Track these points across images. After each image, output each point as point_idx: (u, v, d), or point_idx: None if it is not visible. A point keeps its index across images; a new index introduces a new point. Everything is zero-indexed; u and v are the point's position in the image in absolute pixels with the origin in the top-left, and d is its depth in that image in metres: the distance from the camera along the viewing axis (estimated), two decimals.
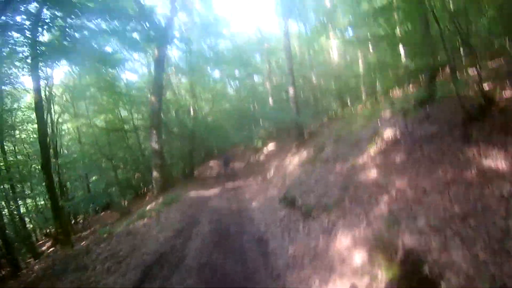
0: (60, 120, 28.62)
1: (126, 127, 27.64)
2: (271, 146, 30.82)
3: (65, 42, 14.83)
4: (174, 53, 33.07)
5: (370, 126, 13.39)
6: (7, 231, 19.41)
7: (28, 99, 26.27)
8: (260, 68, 38.55)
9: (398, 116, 12.21)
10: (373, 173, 9.42)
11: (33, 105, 24.00)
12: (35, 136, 24.67)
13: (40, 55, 14.52)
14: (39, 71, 17.50)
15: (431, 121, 9.83)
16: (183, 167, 31.06)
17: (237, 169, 31.20)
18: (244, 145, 43.48)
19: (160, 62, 23.10)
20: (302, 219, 9.90)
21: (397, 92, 22.12)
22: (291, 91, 22.04)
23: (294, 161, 18.52)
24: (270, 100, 33.20)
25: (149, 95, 25.77)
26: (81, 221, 29.87)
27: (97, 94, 26.76)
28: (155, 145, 22.00)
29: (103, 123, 28.63)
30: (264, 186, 17.95)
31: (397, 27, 20.20)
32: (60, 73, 27.61)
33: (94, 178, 29.59)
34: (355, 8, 23.00)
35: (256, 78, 40.77)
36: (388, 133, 11.24)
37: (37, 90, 16.54)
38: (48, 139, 20.32)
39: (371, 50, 25.06)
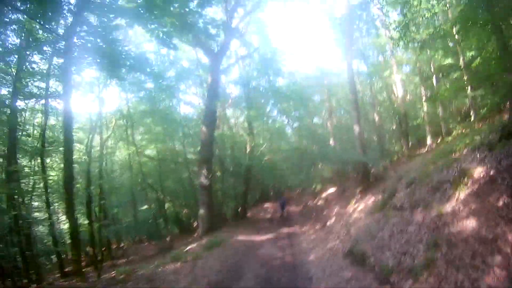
0: (110, 144, 27.83)
1: (178, 159, 26.09)
2: (330, 191, 28.20)
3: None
4: (232, 89, 31.81)
5: (450, 165, 11.09)
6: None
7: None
8: (319, 109, 36.60)
9: (482, 152, 10.19)
10: (471, 223, 7.25)
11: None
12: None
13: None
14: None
15: None
16: (235, 207, 28.85)
17: (293, 214, 28.80)
18: (301, 188, 41.81)
19: (213, 89, 21.45)
20: (377, 285, 7.45)
21: (463, 129, 20.31)
22: (356, 129, 19.64)
23: (359, 208, 15.97)
24: (331, 141, 30.85)
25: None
26: (124, 247, 28.22)
27: (151, 123, 25.67)
28: (204, 181, 20.06)
29: (155, 153, 27.38)
30: (324, 235, 15.47)
31: (461, 56, 19.13)
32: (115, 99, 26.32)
33: (144, 207, 28.03)
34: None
35: (316, 119, 38.66)
36: (479, 171, 8.96)
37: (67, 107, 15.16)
38: (88, 162, 21.01)
39: (434, 84, 23.20)
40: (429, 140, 24.15)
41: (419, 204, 10.35)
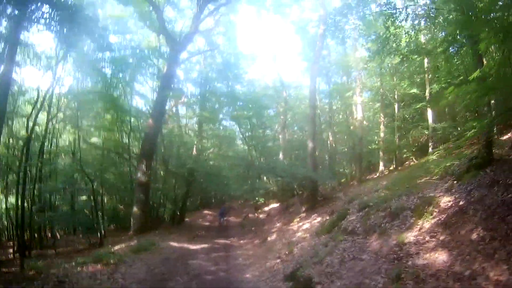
0: (58, 126, 25.14)
1: (123, 154, 23.94)
2: (274, 205, 27.17)
3: None
4: (188, 88, 30.14)
5: (410, 192, 10.78)
6: None
7: None
8: (273, 121, 35.37)
9: (446, 181, 10.04)
10: (441, 256, 6.46)
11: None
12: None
13: None
14: None
15: (503, 187, 7.41)
16: (173, 210, 26.84)
17: (233, 225, 27.37)
18: (244, 200, 40.46)
19: (168, 79, 19.93)
20: None
21: (418, 160, 20.46)
22: (310, 144, 18.58)
23: (303, 226, 14.91)
24: (281, 155, 29.81)
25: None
26: (58, 237, 25.44)
27: (100, 108, 23.50)
28: (142, 177, 18.31)
29: (100, 142, 25.18)
30: (263, 251, 14.16)
31: (427, 87, 19.58)
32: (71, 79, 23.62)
33: (82, 197, 25.57)
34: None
35: (268, 131, 37.52)
36: (446, 201, 8.50)
37: None
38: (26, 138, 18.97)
39: (396, 111, 23.02)
40: (381, 166, 23.66)
41: (374, 230, 9.52)
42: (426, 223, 7.97)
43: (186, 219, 29.55)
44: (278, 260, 11.49)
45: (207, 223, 29.58)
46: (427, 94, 19.74)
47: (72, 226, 24.25)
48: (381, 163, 23.90)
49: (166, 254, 13.34)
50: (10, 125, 21.68)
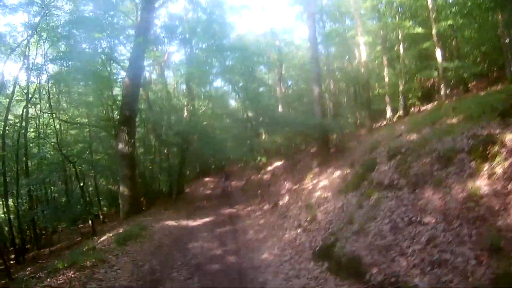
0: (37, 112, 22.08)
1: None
2: (277, 164, 24.58)
3: None
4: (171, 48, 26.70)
5: (452, 132, 8.19)
6: None
7: None
8: (267, 79, 32.34)
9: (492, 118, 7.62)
10: None
11: None
12: None
13: None
14: None
15: None
16: (170, 182, 24.28)
17: (235, 190, 25.02)
18: (243, 162, 38.07)
19: (142, 31, 16.45)
20: None
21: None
22: (316, 90, 15.72)
23: (320, 184, 12.27)
24: (280, 108, 26.86)
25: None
26: (60, 230, 23.03)
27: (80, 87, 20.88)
28: (124, 148, 15.34)
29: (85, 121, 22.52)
30: (276, 219, 11.75)
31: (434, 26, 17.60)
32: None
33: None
34: None
35: (262, 89, 34.46)
36: None
37: None
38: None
39: (401, 52, 20.80)
40: (389, 112, 21.19)
41: (424, 181, 7.01)
42: (498, 168, 5.69)
43: (187, 190, 27.86)
44: (299, 230, 9.13)
45: (208, 191, 27.51)
46: (433, 32, 17.68)
47: (69, 218, 21.76)
48: (388, 109, 21.48)
49: (159, 239, 10.82)
50: None
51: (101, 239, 11.57)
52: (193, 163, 37.73)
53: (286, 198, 13.46)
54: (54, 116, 19.00)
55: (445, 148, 7.40)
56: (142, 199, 19.31)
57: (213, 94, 29.37)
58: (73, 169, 17.84)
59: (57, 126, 20.07)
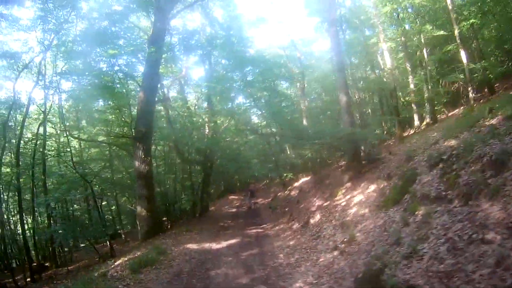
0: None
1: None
2: (304, 180, 23.48)
3: None
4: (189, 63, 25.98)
5: (497, 134, 7.39)
6: None
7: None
8: (289, 94, 31.09)
9: None
10: None
11: None
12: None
13: None
14: None
15: None
16: (193, 201, 23.00)
17: (261, 207, 24.07)
18: (269, 179, 37.37)
19: (157, 39, 15.75)
20: None
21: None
22: (343, 98, 14.57)
23: (355, 199, 11.17)
24: (305, 122, 25.72)
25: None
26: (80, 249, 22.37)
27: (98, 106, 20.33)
28: (141, 166, 14.47)
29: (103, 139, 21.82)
30: (308, 239, 10.66)
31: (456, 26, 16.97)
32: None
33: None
34: None
35: (284, 104, 33.26)
36: None
37: None
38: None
39: (425, 57, 19.78)
40: (416, 121, 20.10)
41: (478, 191, 5.98)
42: None
43: (212, 208, 27.01)
44: (336, 253, 8.04)
45: (233, 210, 26.39)
46: (456, 33, 16.99)
47: (89, 236, 21.13)
48: (415, 117, 20.56)
49: (178, 265, 9.78)
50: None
51: (116, 262, 10.71)
52: (217, 181, 37.41)
53: (317, 216, 12.33)
54: (68, 133, 18.49)
55: (496, 151, 6.40)
56: (163, 219, 18.52)
57: (235, 110, 28.62)
58: (91, 188, 17.20)
59: (76, 145, 19.65)
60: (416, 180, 8.58)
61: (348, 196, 12.01)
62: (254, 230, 14.85)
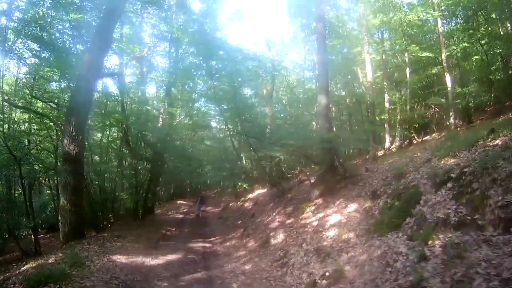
0: None
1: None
2: (259, 191, 21.20)
3: None
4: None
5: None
6: None
7: None
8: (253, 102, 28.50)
9: None
10: None
11: None
12: None
13: None
14: None
15: None
16: (135, 202, 19.00)
17: (212, 217, 21.53)
18: (220, 187, 36.17)
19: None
20: None
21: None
22: (322, 100, 12.16)
23: (330, 220, 8.76)
24: (268, 131, 22.97)
25: None
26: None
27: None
28: (70, 146, 11.01)
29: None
30: (270, 264, 8.16)
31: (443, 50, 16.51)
32: None
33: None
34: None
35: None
36: None
37: None
38: None
39: (408, 76, 18.45)
40: (388, 142, 18.59)
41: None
42: None
43: (157, 211, 24.23)
44: None
45: (180, 216, 23.66)
46: (443, 57, 16.63)
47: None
48: (387, 138, 18.74)
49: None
50: None
51: (24, 267, 7.84)
52: (167, 183, 35.06)
53: (280, 235, 9.81)
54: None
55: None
56: (98, 216, 15.51)
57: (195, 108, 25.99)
58: (19, 166, 13.89)
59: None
60: (420, 201, 6.47)
61: (319, 215, 9.64)
62: (201, 244, 12.14)
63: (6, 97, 16.27)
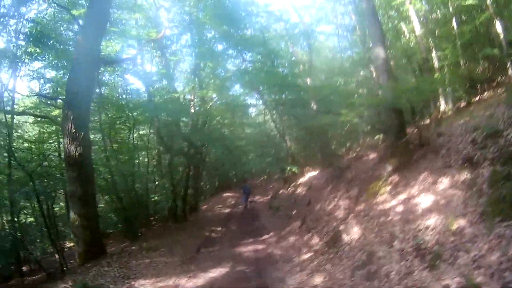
0: None
1: None
2: (311, 174, 18.94)
3: None
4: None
5: None
6: None
7: None
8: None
9: None
10: None
11: None
12: None
13: None
14: None
15: None
16: (172, 203, 16.83)
17: (260, 207, 19.82)
18: (266, 174, 33.99)
19: None
20: None
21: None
22: (380, 53, 9.66)
23: (419, 202, 6.45)
24: (313, 105, 19.60)
25: None
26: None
27: None
28: (70, 147, 9.07)
29: None
30: (350, 273, 5.94)
31: None
32: None
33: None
34: None
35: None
36: None
37: None
38: None
39: (455, 27, 15.45)
40: (443, 103, 15.55)
41: None
42: None
43: (203, 207, 23.21)
44: None
45: (227, 210, 22.05)
46: (488, 2, 13.76)
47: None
48: (442, 99, 15.74)
49: None
50: None
51: None
52: (210, 177, 34.69)
53: (355, 228, 7.56)
54: None
55: None
56: (131, 223, 13.71)
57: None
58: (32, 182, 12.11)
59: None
60: None
61: (401, 196, 7.36)
62: (252, 246, 10.09)
63: None
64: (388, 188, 8.33)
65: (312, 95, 19.53)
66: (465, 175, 6.21)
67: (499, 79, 15.24)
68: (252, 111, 32.82)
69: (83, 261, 8.69)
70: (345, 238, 7.40)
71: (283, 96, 18.45)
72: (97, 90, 14.11)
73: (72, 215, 9.19)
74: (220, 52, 19.50)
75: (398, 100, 8.95)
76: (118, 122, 15.72)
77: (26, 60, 13.64)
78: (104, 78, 15.27)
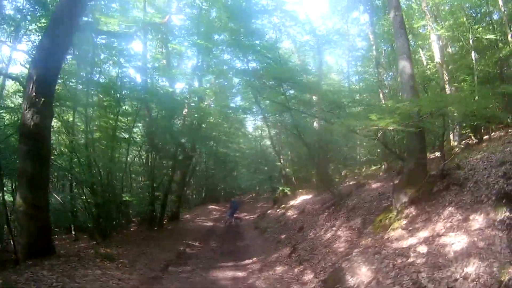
0: None
1: None
2: (304, 197, 17.77)
3: None
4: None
5: None
6: None
7: None
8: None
9: None
10: None
11: None
12: None
13: None
14: None
15: None
16: (150, 206, 15.51)
17: (246, 226, 18.42)
18: (255, 192, 34.48)
19: None
20: None
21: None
22: (406, 67, 8.43)
23: (448, 242, 5.15)
24: (316, 124, 18.96)
25: None
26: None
27: None
28: (27, 113, 7.23)
29: None
30: None
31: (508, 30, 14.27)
32: None
33: None
34: None
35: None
36: None
37: None
38: None
39: (473, 60, 15.31)
40: (453, 138, 15.35)
41: None
42: None
43: (185, 216, 21.91)
44: None
45: (209, 223, 20.69)
46: (509, 38, 14.24)
47: None
48: (451, 134, 15.39)
49: None
50: None
51: None
52: (199, 187, 34.57)
53: (362, 267, 5.97)
54: None
55: None
56: (99, 223, 12.08)
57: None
58: None
59: None
60: None
61: (422, 234, 6.03)
62: (231, 272, 8.46)
63: None
64: (404, 222, 7.00)
65: (318, 110, 18.39)
66: (503, 213, 5.00)
67: (508, 120, 14.44)
68: (250, 124, 31.89)
69: (25, 257, 7.00)
70: (350, 279, 5.87)
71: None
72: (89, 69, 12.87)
73: (18, 198, 7.45)
74: (226, 61, 18.40)
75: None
76: (104, 104, 14.14)
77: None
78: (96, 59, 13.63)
